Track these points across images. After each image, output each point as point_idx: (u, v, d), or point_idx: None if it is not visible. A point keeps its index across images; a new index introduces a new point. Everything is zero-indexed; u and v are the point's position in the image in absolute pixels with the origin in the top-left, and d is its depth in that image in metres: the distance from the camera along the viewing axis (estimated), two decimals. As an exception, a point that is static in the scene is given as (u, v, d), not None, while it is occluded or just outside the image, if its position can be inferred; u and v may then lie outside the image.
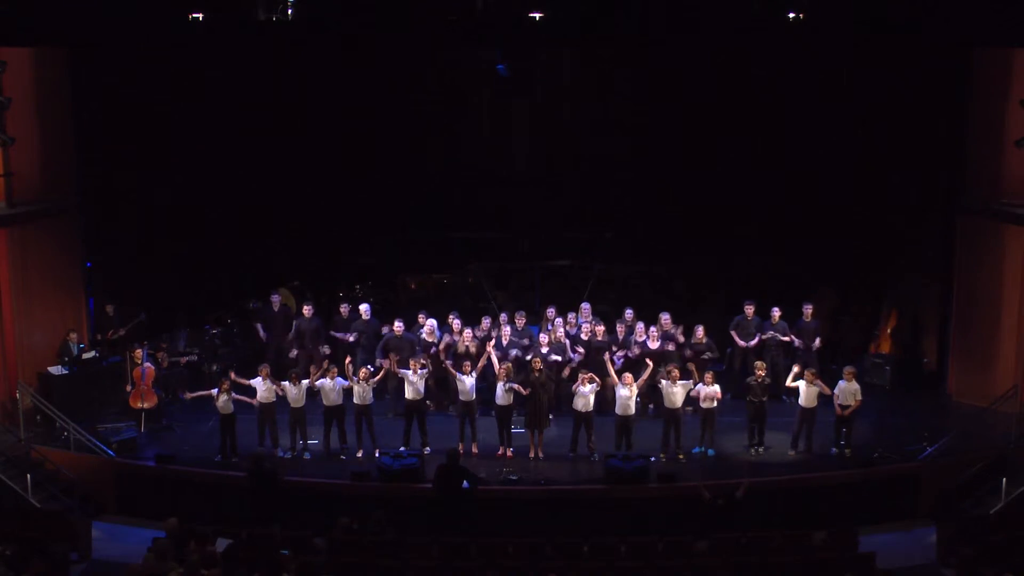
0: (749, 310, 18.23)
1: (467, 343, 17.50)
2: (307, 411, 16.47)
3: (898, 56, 18.36)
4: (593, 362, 17.21)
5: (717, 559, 13.09)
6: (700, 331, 17.68)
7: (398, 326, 17.64)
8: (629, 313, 18.09)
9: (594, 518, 15.04)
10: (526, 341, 17.80)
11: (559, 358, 17.33)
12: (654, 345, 17.44)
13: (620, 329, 17.90)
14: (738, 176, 20.31)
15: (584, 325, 17.83)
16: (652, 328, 17.59)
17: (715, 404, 16.34)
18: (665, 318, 17.84)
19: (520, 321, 18.07)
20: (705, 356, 17.52)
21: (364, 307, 18.46)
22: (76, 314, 18.70)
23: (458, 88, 21.53)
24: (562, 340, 17.53)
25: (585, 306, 18.35)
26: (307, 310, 18.51)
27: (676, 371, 16.39)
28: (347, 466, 16.03)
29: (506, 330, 17.69)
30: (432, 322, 17.96)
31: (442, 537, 13.85)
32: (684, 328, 17.92)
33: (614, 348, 17.54)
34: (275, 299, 19.05)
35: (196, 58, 18.94)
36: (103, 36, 17.68)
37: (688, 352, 17.57)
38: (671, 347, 17.56)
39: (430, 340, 17.75)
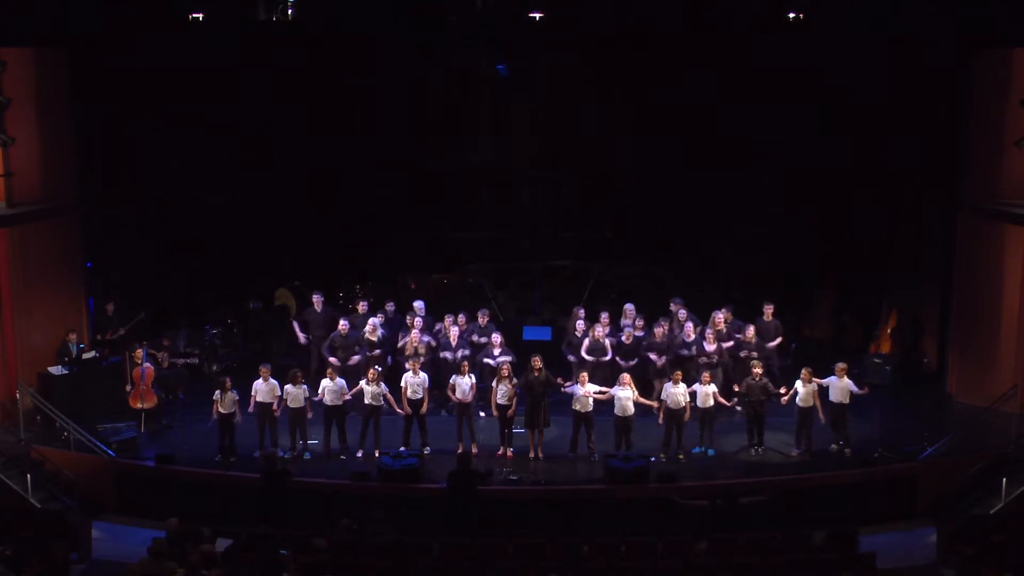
0: (675, 308, 18.11)
1: (415, 344, 17.46)
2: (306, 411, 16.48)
3: (898, 56, 18.36)
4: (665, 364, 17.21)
5: (717, 559, 13.09)
6: (750, 331, 17.51)
7: (343, 324, 17.65)
8: (683, 313, 17.87)
9: (594, 518, 15.03)
10: (480, 339, 17.72)
11: (509, 359, 17.16)
12: (712, 347, 17.32)
13: (661, 329, 17.53)
14: (738, 176, 20.32)
15: (628, 328, 17.69)
16: (708, 330, 17.41)
17: (713, 404, 16.34)
18: (719, 317, 17.65)
19: (482, 320, 18.00)
20: (754, 354, 17.25)
21: (418, 304, 18.30)
22: (76, 314, 18.68)
23: (458, 88, 21.53)
24: (601, 340, 17.43)
25: (629, 307, 18.16)
26: (362, 306, 18.29)
27: (679, 373, 16.41)
28: (347, 466, 16.03)
29: (454, 331, 17.65)
30: (375, 320, 17.82)
31: (442, 537, 13.85)
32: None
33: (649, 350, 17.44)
34: (317, 299, 18.58)
35: (196, 58, 18.94)
36: (103, 36, 17.72)
37: (744, 352, 17.35)
38: (711, 348, 17.33)
39: (372, 339, 17.67)
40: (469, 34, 18.36)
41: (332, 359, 17.40)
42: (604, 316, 17.89)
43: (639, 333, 17.73)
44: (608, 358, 17.42)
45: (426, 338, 17.62)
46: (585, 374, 16.36)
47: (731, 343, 17.51)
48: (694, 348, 17.29)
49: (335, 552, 13.18)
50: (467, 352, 17.58)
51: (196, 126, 19.80)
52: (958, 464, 15.85)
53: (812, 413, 16.28)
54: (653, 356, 17.38)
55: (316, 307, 18.55)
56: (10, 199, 17.76)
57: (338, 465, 16.14)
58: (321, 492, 15.48)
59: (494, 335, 17.54)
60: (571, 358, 17.68)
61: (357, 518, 14.05)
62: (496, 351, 17.34)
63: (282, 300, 21.41)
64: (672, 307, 18.08)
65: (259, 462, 15.43)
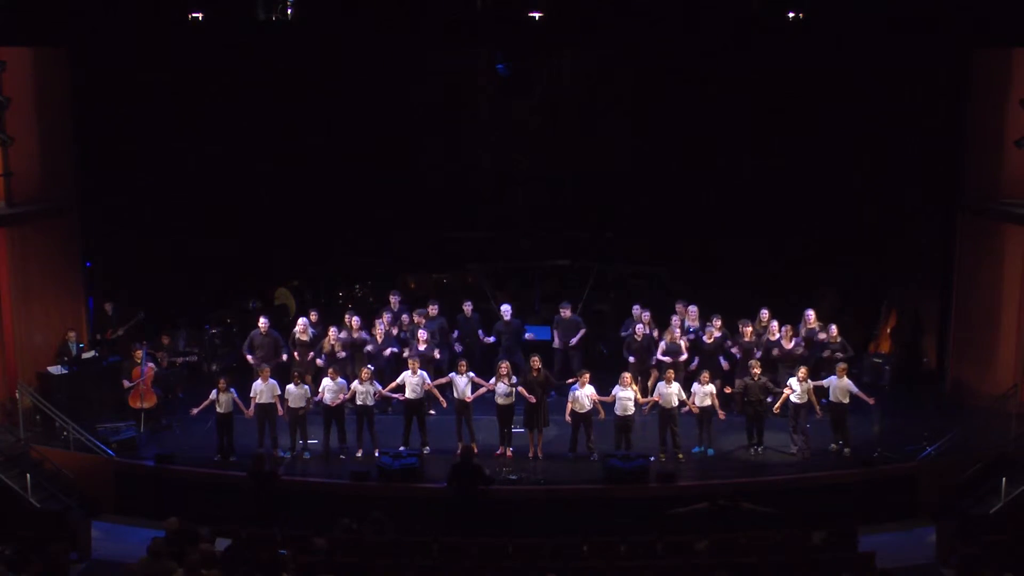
0: (565, 312, 18.34)
1: (332, 342, 17.40)
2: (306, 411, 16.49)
3: (898, 56, 18.35)
4: (744, 363, 17.18)
5: (717, 559, 13.09)
6: (834, 330, 17.43)
7: (263, 323, 17.62)
8: (764, 313, 17.86)
9: (594, 518, 15.03)
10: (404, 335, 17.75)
11: (438, 355, 17.43)
12: (789, 345, 17.33)
13: (749, 329, 17.57)
14: (738, 176, 20.32)
15: (707, 328, 17.68)
16: (785, 329, 17.42)
17: (711, 403, 16.34)
18: (810, 316, 17.64)
19: (419, 319, 17.96)
20: (838, 355, 17.17)
21: (505, 308, 18.40)
22: (76, 314, 18.69)
23: (458, 88, 21.52)
24: (677, 341, 17.45)
25: (692, 308, 18.12)
26: (432, 309, 18.23)
27: (671, 372, 16.40)
28: (347, 466, 16.03)
29: (380, 329, 17.64)
30: (304, 320, 17.82)
31: (442, 537, 13.85)
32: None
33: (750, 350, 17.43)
34: (395, 299, 18.50)
35: (196, 58, 18.94)
36: (103, 36, 17.71)
37: (827, 352, 17.34)
38: (789, 345, 17.34)
39: (303, 339, 17.65)
40: (469, 34, 18.35)
41: (249, 357, 17.35)
42: (675, 319, 17.82)
43: (718, 333, 17.68)
44: (684, 358, 17.46)
45: (343, 335, 17.54)
46: (587, 375, 16.34)
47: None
48: (777, 351, 17.34)
49: (335, 552, 13.19)
50: (395, 349, 17.60)
51: (196, 126, 19.80)
52: (958, 464, 15.85)
53: (807, 410, 16.27)
54: (789, 353, 17.31)
55: (393, 307, 18.37)
56: (10, 199, 17.76)
57: (338, 465, 16.15)
58: (321, 492, 15.49)
59: (420, 332, 17.50)
60: (631, 359, 17.69)
61: (357, 518, 14.05)
62: (422, 347, 17.32)
63: (282, 300, 21.44)
64: (562, 311, 18.36)
65: (248, 462, 15.42)
